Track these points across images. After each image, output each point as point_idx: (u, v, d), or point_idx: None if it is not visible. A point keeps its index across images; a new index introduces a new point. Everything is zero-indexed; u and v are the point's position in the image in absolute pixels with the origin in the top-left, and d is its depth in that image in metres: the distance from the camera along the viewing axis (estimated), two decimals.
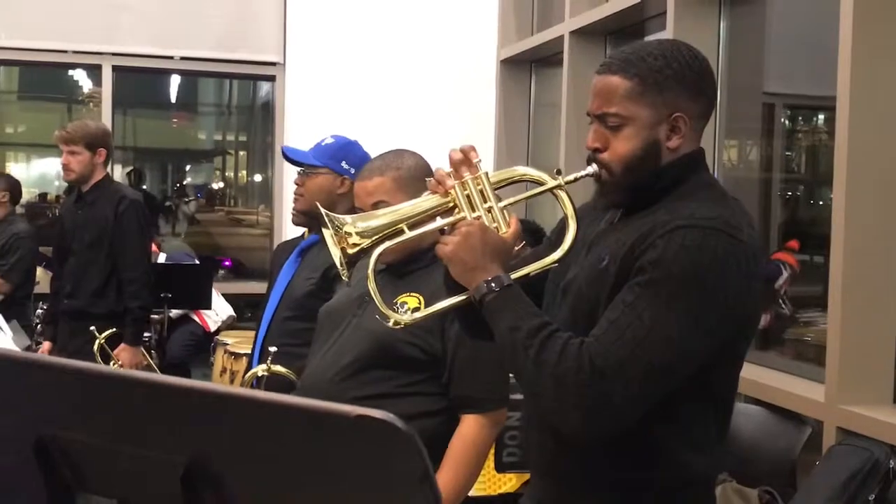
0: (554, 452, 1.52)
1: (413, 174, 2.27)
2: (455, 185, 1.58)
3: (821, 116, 3.81)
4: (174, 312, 4.91)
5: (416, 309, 2.14)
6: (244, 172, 12.57)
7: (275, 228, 6.06)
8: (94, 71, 8.96)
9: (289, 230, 5.46)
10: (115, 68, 5.60)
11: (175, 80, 10.35)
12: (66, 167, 3.77)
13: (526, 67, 5.38)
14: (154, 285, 3.94)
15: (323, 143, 2.84)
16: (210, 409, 0.67)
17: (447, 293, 1.67)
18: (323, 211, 1.71)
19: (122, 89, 9.87)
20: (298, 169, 3.01)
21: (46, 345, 3.90)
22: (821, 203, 3.69)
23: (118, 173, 7.45)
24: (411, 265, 2.18)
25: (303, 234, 3.36)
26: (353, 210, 2.89)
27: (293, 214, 3.27)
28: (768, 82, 3.81)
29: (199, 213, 10.63)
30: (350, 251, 1.64)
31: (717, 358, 1.47)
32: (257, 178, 12.57)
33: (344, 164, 2.78)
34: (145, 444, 0.71)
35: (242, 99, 12.39)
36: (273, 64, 5.76)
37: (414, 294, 2.13)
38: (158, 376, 0.68)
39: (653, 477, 1.51)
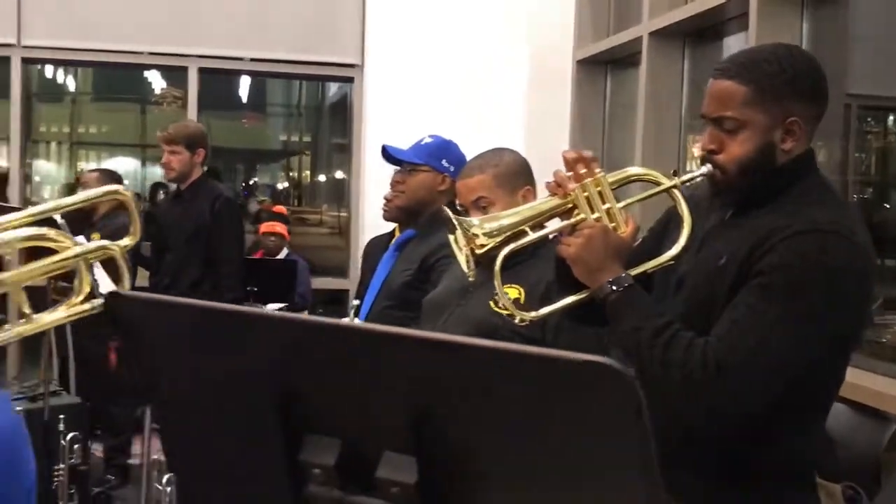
0: (679, 444, 1.55)
1: (512, 170, 2.40)
2: (575, 187, 1.69)
3: (891, 118, 3.83)
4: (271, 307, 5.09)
5: (518, 300, 2.28)
6: (307, 173, 12.81)
7: (351, 227, 6.21)
8: (171, 73, 9.24)
9: (365, 228, 5.62)
10: (200, 70, 5.80)
11: (245, 81, 10.61)
12: (166, 165, 3.97)
13: (602, 68, 5.46)
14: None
15: (423, 142, 2.98)
16: (435, 358, 0.80)
17: (559, 290, 1.79)
18: (450, 214, 1.85)
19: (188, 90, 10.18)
20: (395, 167, 3.16)
21: None
22: (887, 206, 3.71)
23: None
24: (512, 258, 2.30)
25: (393, 231, 3.50)
26: (451, 206, 3.03)
27: (385, 210, 3.42)
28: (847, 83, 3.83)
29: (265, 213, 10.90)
30: (478, 251, 1.77)
31: (832, 355, 1.57)
32: (321, 178, 12.81)
33: (444, 163, 2.92)
34: (373, 391, 0.84)
35: (311, 100, 12.61)
36: (352, 66, 5.91)
37: (515, 285, 2.25)
38: (385, 328, 0.81)
39: (771, 465, 1.61)
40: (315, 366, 0.86)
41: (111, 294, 0.93)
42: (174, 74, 10.12)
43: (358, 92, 5.96)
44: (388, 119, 5.57)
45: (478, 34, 5.69)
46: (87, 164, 11.52)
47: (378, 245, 3.52)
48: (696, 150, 4.41)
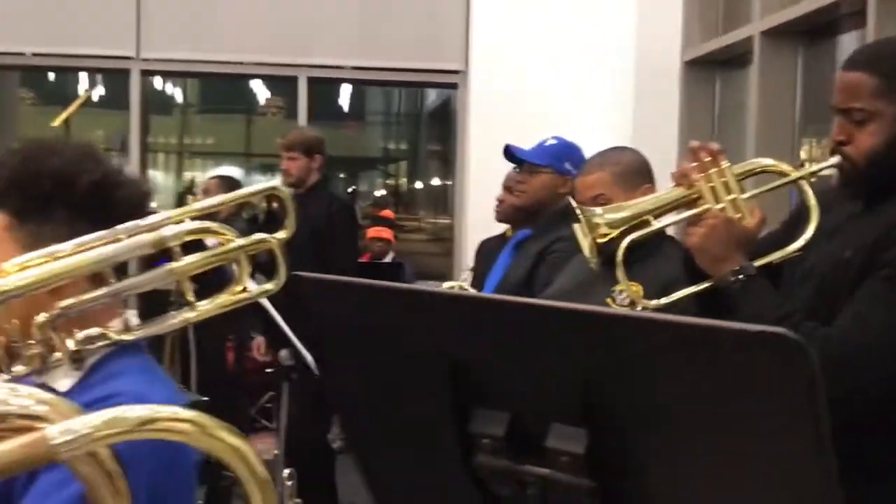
0: None
1: (632, 169, 2.43)
2: (700, 177, 1.72)
3: None
4: None
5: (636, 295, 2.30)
6: (404, 180, 12.99)
7: (455, 232, 6.29)
8: (273, 83, 9.48)
9: (469, 234, 5.69)
10: (310, 80, 5.97)
11: (346, 90, 10.83)
12: (285, 172, 4.12)
13: (711, 69, 5.41)
14: None
15: (546, 143, 3.03)
16: (606, 332, 0.84)
17: (687, 280, 1.81)
18: (575, 204, 1.90)
19: (296, 96, 10.44)
20: (514, 167, 3.21)
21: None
22: None
23: None
24: (629, 255, 2.33)
25: (504, 232, 3.56)
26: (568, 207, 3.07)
27: (498, 211, 3.47)
28: None
29: (363, 220, 11.14)
30: (600, 241, 1.81)
31: None
32: (418, 185, 12.98)
33: (567, 165, 2.96)
34: (543, 365, 0.89)
35: (409, 108, 12.77)
36: (456, 72, 6.00)
37: (632, 283, 2.28)
38: (555, 304, 0.86)
39: (891, 458, 1.60)
40: (484, 341, 0.92)
41: (294, 276, 1.00)
42: (277, 85, 10.41)
43: (462, 98, 6.03)
44: (492, 124, 5.63)
45: (583, 38, 5.71)
46: (197, 174, 11.90)
47: (492, 246, 3.58)
48: (803, 154, 4.30)
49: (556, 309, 0.86)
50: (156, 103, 11.27)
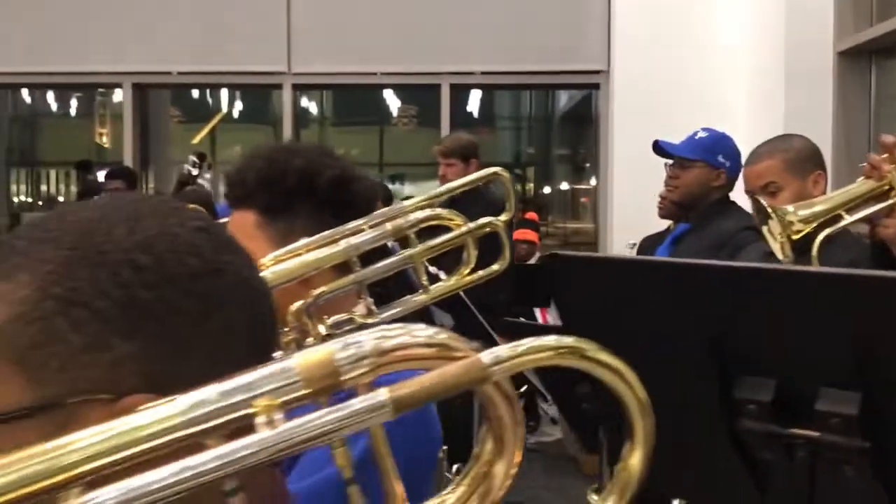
0: None
1: (803, 155, 2.42)
2: (892, 168, 1.72)
3: None
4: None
5: None
6: (531, 185, 13.01)
7: (598, 235, 6.30)
8: (405, 91, 9.64)
9: (614, 236, 5.71)
10: (452, 86, 6.10)
11: (476, 95, 10.96)
12: (443, 178, 4.23)
13: (866, 59, 5.27)
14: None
15: (696, 137, 3.04)
16: (877, 296, 0.89)
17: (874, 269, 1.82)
18: (765, 203, 1.92)
19: (429, 105, 10.61)
20: (667, 162, 3.22)
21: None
22: None
23: None
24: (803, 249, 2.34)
25: (668, 227, 3.57)
26: (726, 200, 3.06)
27: (661, 207, 3.48)
28: None
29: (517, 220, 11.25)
30: (794, 237, 1.83)
31: None
32: (546, 189, 13.00)
33: (720, 158, 2.96)
34: (811, 332, 0.94)
35: (539, 111, 12.77)
36: (597, 72, 6.02)
37: None
38: (821, 270, 0.91)
39: None
40: (749, 311, 0.97)
41: (550, 255, 1.08)
42: (410, 94, 10.62)
43: (604, 98, 6.05)
44: (636, 124, 5.62)
45: (728, 31, 5.65)
46: None
47: (653, 241, 3.60)
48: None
49: (822, 275, 0.91)
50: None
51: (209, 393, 0.53)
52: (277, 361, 0.54)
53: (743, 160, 2.95)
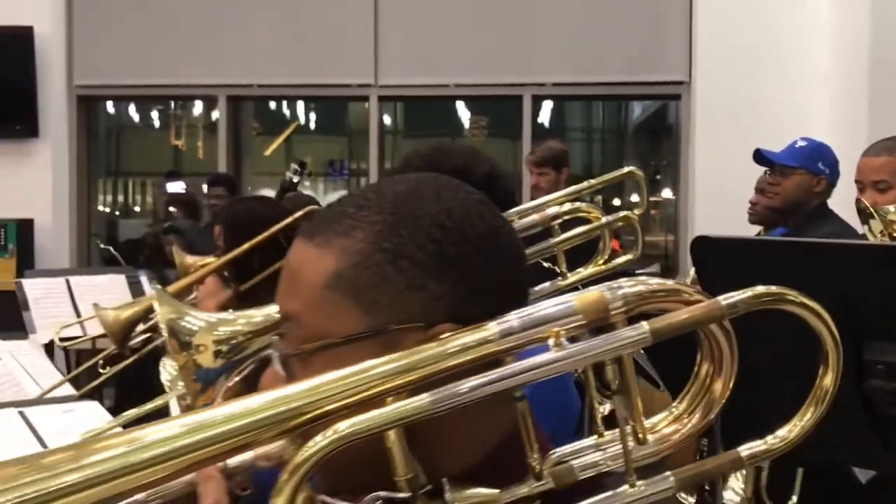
0: None
1: None
2: None
3: None
4: None
5: None
6: (599, 198, 13.11)
7: (679, 249, 6.41)
8: (476, 103, 9.82)
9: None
10: (533, 97, 6.30)
11: (547, 106, 11.13)
12: (535, 187, 4.43)
13: None
14: None
15: (796, 145, 3.21)
16: None
17: None
18: (867, 203, 2.08)
19: (499, 116, 10.80)
20: (766, 169, 3.39)
21: None
22: None
23: None
24: None
25: (758, 233, 3.72)
26: (823, 207, 3.21)
27: (751, 213, 3.64)
28: None
29: None
30: (895, 235, 1.98)
31: None
32: (616, 202, 13.09)
33: (820, 165, 3.12)
34: None
35: (611, 123, 12.89)
36: (679, 83, 6.15)
37: None
38: None
39: None
40: (879, 283, 1.15)
41: (698, 238, 1.27)
42: (479, 105, 10.83)
43: (686, 109, 6.17)
44: (718, 135, 5.73)
45: (811, 44, 5.73)
46: None
47: None
48: None
49: None
50: (363, 129, 11.94)
51: (513, 323, 0.74)
52: (560, 300, 0.75)
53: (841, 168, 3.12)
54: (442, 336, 0.76)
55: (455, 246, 0.80)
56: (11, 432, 1.86)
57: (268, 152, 11.64)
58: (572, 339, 0.74)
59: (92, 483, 0.66)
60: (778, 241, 1.18)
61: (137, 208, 10.03)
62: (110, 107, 8.13)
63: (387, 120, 12.57)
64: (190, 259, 3.12)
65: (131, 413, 1.89)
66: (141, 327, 2.74)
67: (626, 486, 0.75)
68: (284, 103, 10.86)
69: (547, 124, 12.54)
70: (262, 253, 2.74)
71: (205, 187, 5.93)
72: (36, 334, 3.25)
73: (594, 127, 13.36)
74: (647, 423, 0.78)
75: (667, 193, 8.51)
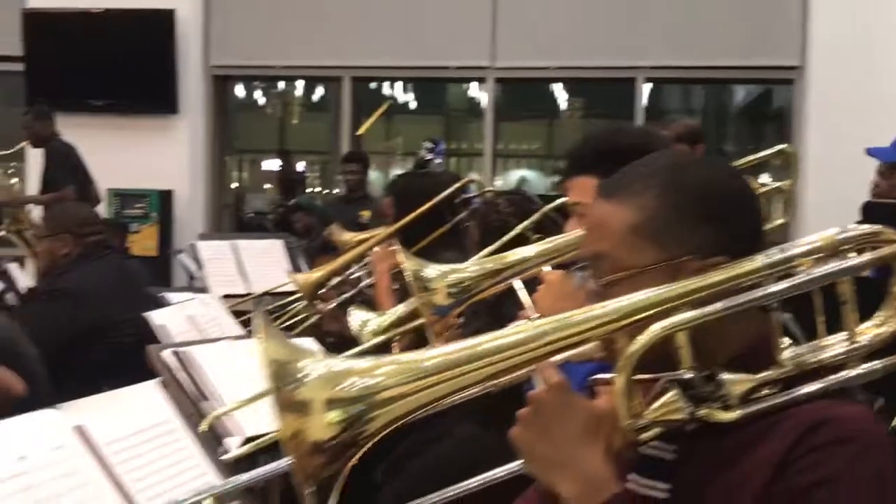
0: None
1: None
2: None
3: None
4: None
5: None
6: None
7: (791, 234, 6.54)
8: (574, 85, 10.02)
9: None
10: (647, 80, 6.54)
11: (646, 89, 11.28)
12: None
13: None
14: None
15: None
16: None
17: None
18: None
19: (595, 98, 10.95)
20: (879, 163, 3.60)
21: None
22: None
23: None
24: None
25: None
26: None
27: (875, 195, 3.85)
28: None
29: None
30: None
31: None
32: None
33: None
34: None
35: (712, 106, 12.94)
36: (792, 68, 6.29)
37: None
38: None
39: None
40: None
41: (868, 203, 1.56)
42: (577, 86, 11.04)
43: (799, 94, 6.28)
44: (832, 121, 5.83)
45: None
46: (507, 176, 12.71)
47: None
48: None
49: None
50: (463, 109, 12.22)
51: (777, 256, 1.06)
52: (807, 240, 1.07)
53: None
54: (718, 266, 1.08)
55: (719, 200, 1.13)
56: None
57: (361, 131, 12.01)
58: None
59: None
60: None
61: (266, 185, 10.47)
62: (240, 90, 8.51)
63: (484, 100, 12.85)
64: (347, 235, 3.51)
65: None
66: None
67: (847, 370, 1.07)
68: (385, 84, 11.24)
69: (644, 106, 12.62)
70: (427, 221, 3.10)
71: (300, 165, 6.26)
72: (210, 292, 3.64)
73: (694, 110, 13.40)
74: (858, 328, 1.09)
75: (764, 178, 8.56)
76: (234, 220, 7.46)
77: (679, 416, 1.07)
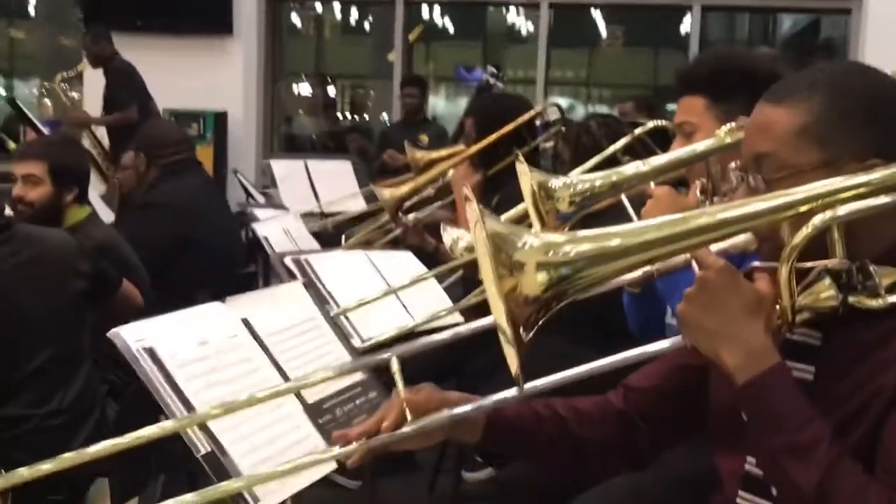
0: None
1: None
2: None
3: None
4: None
5: None
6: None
7: None
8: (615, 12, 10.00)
9: None
10: (703, 8, 6.57)
11: (688, 17, 11.24)
12: None
13: None
14: None
15: None
16: None
17: None
18: None
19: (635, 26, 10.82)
20: None
21: None
22: None
23: None
24: None
25: None
26: None
27: None
28: None
29: None
30: None
31: None
32: None
33: None
34: None
35: (756, 37, 12.85)
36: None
37: None
38: None
39: None
40: None
41: None
42: (616, 14, 10.97)
43: (856, 25, 6.33)
44: (889, 53, 5.86)
45: None
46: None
47: None
48: None
49: None
50: (503, 35, 12.17)
51: None
52: None
53: None
54: (874, 168, 1.20)
55: (879, 107, 1.25)
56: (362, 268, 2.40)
57: (392, 56, 12.03)
58: None
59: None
60: None
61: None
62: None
63: (529, 27, 12.78)
64: (419, 153, 3.64)
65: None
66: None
67: None
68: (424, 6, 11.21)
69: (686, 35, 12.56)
70: (506, 142, 3.22)
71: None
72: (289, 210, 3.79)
73: (738, 39, 13.29)
74: None
75: None
76: (284, 141, 7.59)
77: (831, 302, 1.20)
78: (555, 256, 1.11)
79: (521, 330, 1.10)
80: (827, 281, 1.21)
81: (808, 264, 1.20)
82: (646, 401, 1.50)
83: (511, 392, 1.30)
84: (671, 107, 8.19)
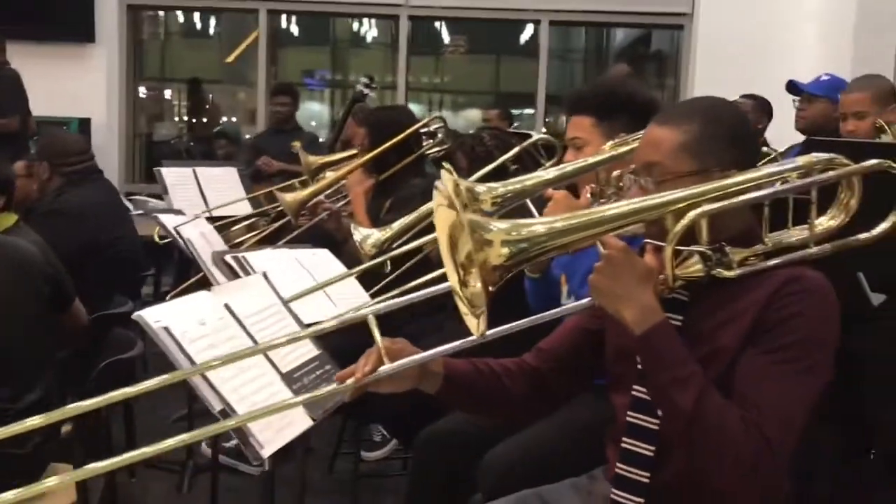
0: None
1: (885, 91, 3.56)
2: None
3: None
4: None
5: None
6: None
7: None
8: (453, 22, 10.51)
9: None
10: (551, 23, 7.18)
11: (530, 28, 11.88)
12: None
13: None
14: None
15: (821, 79, 4.15)
16: None
17: None
18: (882, 122, 3.06)
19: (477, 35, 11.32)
20: (794, 98, 4.29)
21: None
22: None
23: None
24: None
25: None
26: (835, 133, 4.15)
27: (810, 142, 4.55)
28: None
29: None
30: None
31: None
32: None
33: (839, 96, 4.05)
34: None
35: (591, 46, 13.63)
36: (682, 14, 7.05)
37: None
38: None
39: None
40: None
41: (809, 139, 2.21)
42: (458, 25, 11.51)
43: (687, 39, 7.06)
44: (716, 66, 6.57)
45: None
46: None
47: None
48: None
49: None
50: (346, 40, 12.42)
51: (772, 169, 1.70)
52: (790, 161, 1.70)
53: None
54: (732, 175, 1.69)
55: (738, 131, 1.77)
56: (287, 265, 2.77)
57: (230, 59, 12.12)
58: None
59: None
60: (879, 143, 2.05)
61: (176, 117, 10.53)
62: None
63: (369, 37, 13.08)
64: (311, 158, 4.03)
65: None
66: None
67: (809, 248, 1.71)
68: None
69: (523, 45, 13.18)
70: (398, 150, 3.65)
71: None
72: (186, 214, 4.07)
73: (575, 49, 14.03)
74: (816, 221, 1.73)
75: None
76: (145, 148, 7.74)
77: (699, 273, 1.69)
78: (517, 235, 1.56)
79: (490, 289, 1.53)
80: (696, 258, 1.69)
81: (684, 248, 1.69)
82: (554, 358, 1.96)
83: (470, 339, 1.68)
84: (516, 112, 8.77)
